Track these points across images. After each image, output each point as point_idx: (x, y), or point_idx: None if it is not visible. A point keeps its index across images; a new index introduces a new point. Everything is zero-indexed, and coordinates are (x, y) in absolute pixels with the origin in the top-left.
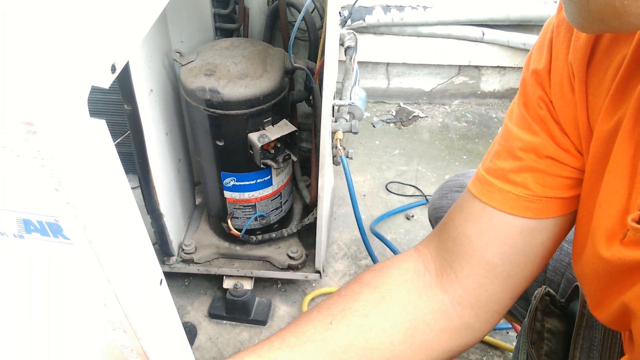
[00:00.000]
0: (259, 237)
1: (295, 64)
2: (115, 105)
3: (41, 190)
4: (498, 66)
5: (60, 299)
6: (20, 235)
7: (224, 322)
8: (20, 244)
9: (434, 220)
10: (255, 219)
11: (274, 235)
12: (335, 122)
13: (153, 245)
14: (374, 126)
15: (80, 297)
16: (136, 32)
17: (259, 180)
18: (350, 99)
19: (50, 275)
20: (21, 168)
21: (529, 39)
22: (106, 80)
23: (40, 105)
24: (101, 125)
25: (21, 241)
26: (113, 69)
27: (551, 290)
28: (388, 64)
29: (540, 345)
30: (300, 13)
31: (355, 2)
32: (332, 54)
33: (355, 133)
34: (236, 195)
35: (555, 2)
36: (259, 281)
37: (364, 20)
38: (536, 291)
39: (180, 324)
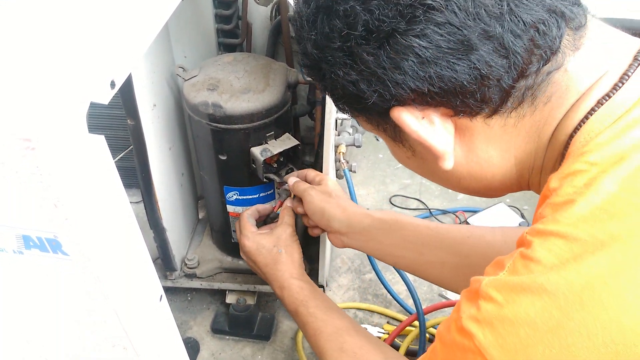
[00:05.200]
0: None
1: (298, 78)
2: (119, 119)
3: (40, 206)
4: None
5: (59, 315)
6: (19, 251)
7: (227, 337)
8: (20, 260)
9: None
10: None
11: None
12: (338, 135)
13: (155, 260)
14: (377, 139)
15: (80, 314)
16: (136, 48)
17: (261, 195)
18: None
19: (50, 291)
20: (20, 184)
21: None
22: (105, 96)
23: (38, 121)
24: (100, 141)
25: (21, 257)
26: (112, 84)
27: None
28: None
29: None
30: None
31: None
32: None
33: (359, 146)
34: (239, 209)
35: None
36: (262, 296)
37: None
38: None
39: (180, 340)
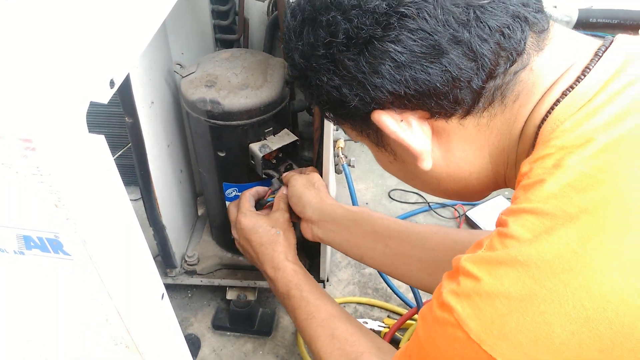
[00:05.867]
0: None
1: None
2: (117, 117)
3: (41, 206)
4: None
5: (61, 315)
6: (20, 251)
7: (228, 333)
8: (21, 261)
9: None
10: None
11: None
12: (337, 130)
13: (155, 257)
14: None
15: (82, 313)
16: (134, 47)
17: None
18: None
19: (51, 291)
20: (20, 184)
21: None
22: (105, 96)
23: (38, 121)
24: (100, 140)
25: (22, 257)
26: (112, 84)
27: None
28: None
29: None
30: None
31: None
32: None
33: (357, 141)
34: None
35: (556, 7)
36: (262, 292)
37: None
38: None
39: (182, 337)
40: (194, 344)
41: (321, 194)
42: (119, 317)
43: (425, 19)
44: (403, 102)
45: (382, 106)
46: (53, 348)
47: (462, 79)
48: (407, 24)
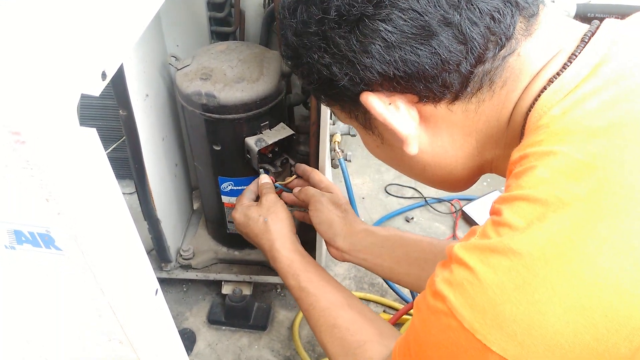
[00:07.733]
0: None
1: None
2: (111, 110)
3: (32, 201)
4: None
5: (53, 310)
6: (11, 246)
7: (223, 328)
8: (12, 256)
9: None
10: None
11: None
12: (334, 124)
13: (150, 251)
14: None
15: (75, 309)
16: (127, 37)
17: None
18: None
19: (43, 286)
20: (10, 178)
21: None
22: (96, 88)
23: (28, 114)
24: (92, 133)
25: (13, 252)
26: (103, 76)
27: None
28: None
29: None
30: None
31: None
32: None
33: (354, 135)
34: (234, 200)
35: (554, 2)
36: (258, 286)
37: None
38: None
39: (176, 332)
40: (189, 338)
41: (349, 218)
42: (112, 313)
43: None
44: (392, 84)
45: (371, 87)
46: (45, 343)
47: (451, 62)
48: (398, 2)
